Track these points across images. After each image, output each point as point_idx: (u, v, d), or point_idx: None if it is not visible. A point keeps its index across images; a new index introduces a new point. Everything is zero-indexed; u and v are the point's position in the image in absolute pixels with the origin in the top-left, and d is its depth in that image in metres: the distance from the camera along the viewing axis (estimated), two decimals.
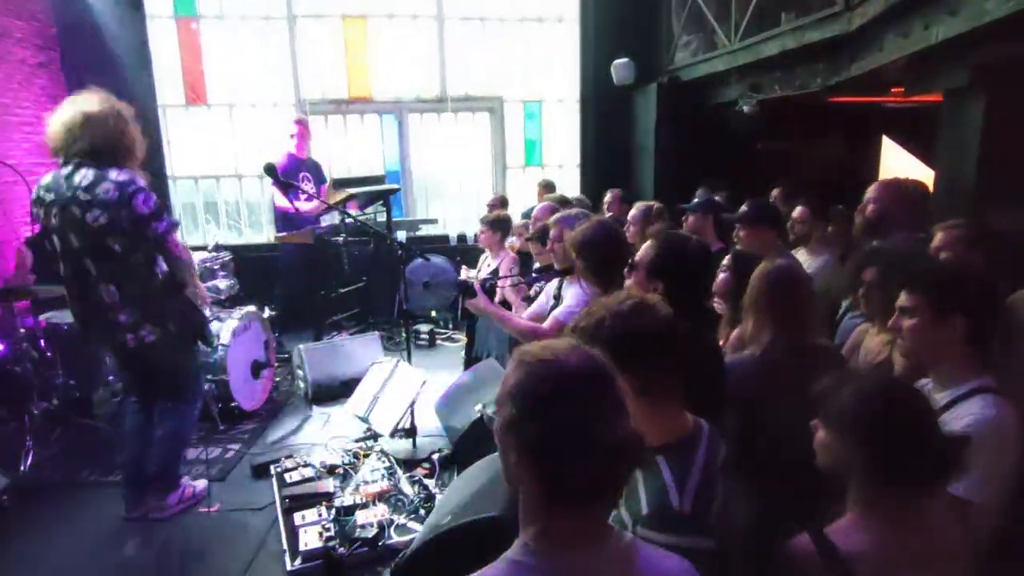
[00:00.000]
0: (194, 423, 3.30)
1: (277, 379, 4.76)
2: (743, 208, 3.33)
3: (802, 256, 3.41)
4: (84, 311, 2.90)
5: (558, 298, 2.97)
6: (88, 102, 2.76)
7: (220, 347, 4.00)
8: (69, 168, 2.74)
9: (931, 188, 3.40)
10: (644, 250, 2.11)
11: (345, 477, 3.26)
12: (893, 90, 4.13)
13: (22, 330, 3.75)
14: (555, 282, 3.06)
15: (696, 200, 3.99)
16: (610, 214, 4.80)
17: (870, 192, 2.97)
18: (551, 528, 0.97)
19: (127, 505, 3.09)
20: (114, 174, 2.73)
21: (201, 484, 3.31)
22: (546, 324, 2.76)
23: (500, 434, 1.00)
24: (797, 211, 3.48)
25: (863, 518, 1.30)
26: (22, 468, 3.42)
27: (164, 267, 2.92)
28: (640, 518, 1.26)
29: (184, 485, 3.21)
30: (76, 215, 2.71)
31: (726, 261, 2.51)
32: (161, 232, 2.82)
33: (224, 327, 4.09)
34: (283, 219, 5.50)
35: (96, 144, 2.73)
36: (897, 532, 1.26)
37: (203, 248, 4.92)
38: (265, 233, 6.59)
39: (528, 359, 0.98)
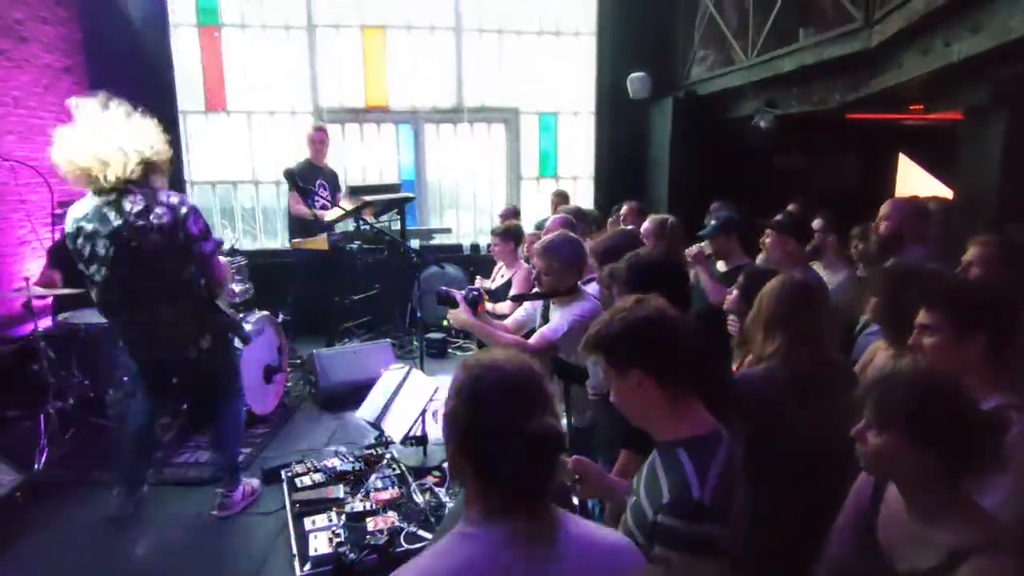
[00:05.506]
0: (243, 416, 3.40)
1: (289, 384, 4.77)
2: (779, 216, 3.27)
3: (819, 272, 3.38)
4: (139, 332, 2.94)
5: (546, 319, 2.89)
6: (116, 127, 2.77)
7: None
8: (112, 196, 2.73)
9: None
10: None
11: (355, 483, 3.25)
12: (912, 107, 4.11)
13: (41, 329, 3.79)
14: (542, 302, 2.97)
15: (711, 219, 3.93)
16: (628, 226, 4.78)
17: (884, 209, 2.95)
18: (489, 508, 1.07)
19: (120, 503, 3.12)
20: (163, 196, 2.78)
21: (255, 482, 3.37)
22: (532, 340, 2.69)
23: (443, 426, 1.13)
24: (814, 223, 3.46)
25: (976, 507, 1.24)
26: (36, 466, 3.45)
27: (204, 280, 3.01)
28: (660, 507, 1.30)
29: (243, 482, 3.27)
30: (131, 241, 2.71)
31: (740, 279, 2.47)
32: (208, 252, 2.90)
33: None
34: (298, 225, 5.55)
35: (135, 168, 2.75)
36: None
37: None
38: (280, 239, 6.64)
39: (471, 363, 1.12)
